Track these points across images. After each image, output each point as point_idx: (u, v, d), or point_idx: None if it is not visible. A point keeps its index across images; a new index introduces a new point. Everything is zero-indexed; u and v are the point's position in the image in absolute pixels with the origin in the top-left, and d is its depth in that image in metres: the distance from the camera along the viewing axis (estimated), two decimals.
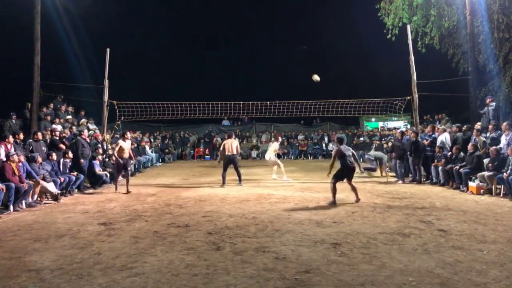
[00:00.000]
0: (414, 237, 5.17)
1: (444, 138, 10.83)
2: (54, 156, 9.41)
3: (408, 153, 11.15)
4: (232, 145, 10.64)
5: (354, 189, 7.90)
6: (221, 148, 10.87)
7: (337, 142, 8.25)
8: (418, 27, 14.99)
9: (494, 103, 12.03)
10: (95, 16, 20.07)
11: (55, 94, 14.25)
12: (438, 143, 10.81)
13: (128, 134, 10.49)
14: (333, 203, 7.57)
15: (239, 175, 10.78)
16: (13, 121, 11.78)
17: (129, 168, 10.18)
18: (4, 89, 17.13)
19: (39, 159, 8.80)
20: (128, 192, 9.41)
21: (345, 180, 7.93)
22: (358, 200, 7.82)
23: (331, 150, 21.30)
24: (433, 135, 11.27)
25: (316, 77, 12.84)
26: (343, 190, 9.50)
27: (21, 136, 9.33)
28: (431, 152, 10.92)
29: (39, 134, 9.88)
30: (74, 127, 12.67)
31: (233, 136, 11.16)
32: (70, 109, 14.76)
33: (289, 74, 27.57)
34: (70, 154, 9.90)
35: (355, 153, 8.08)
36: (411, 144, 11.06)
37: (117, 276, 3.88)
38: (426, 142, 11.07)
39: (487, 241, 4.95)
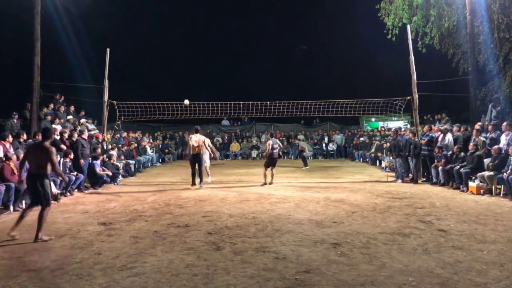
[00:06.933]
0: (414, 237, 5.17)
1: (448, 140, 10.81)
2: None
3: (407, 153, 11.18)
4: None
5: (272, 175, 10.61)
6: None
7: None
8: (418, 27, 14.97)
9: (499, 106, 11.97)
10: (95, 16, 20.09)
11: (55, 94, 14.23)
12: (440, 143, 10.80)
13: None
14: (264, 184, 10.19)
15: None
16: (15, 121, 11.78)
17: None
18: (4, 89, 17.14)
19: None
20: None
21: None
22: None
23: (331, 150, 21.37)
24: (430, 135, 11.27)
25: (186, 102, 13.14)
26: (343, 190, 9.54)
27: (24, 136, 9.32)
28: (429, 151, 10.92)
29: (39, 134, 9.87)
30: (75, 131, 12.60)
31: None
32: (71, 108, 14.73)
33: (289, 74, 27.60)
34: (71, 155, 9.89)
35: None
36: (409, 144, 11.08)
37: (117, 276, 3.88)
38: (423, 142, 11.08)
39: (487, 241, 4.95)
